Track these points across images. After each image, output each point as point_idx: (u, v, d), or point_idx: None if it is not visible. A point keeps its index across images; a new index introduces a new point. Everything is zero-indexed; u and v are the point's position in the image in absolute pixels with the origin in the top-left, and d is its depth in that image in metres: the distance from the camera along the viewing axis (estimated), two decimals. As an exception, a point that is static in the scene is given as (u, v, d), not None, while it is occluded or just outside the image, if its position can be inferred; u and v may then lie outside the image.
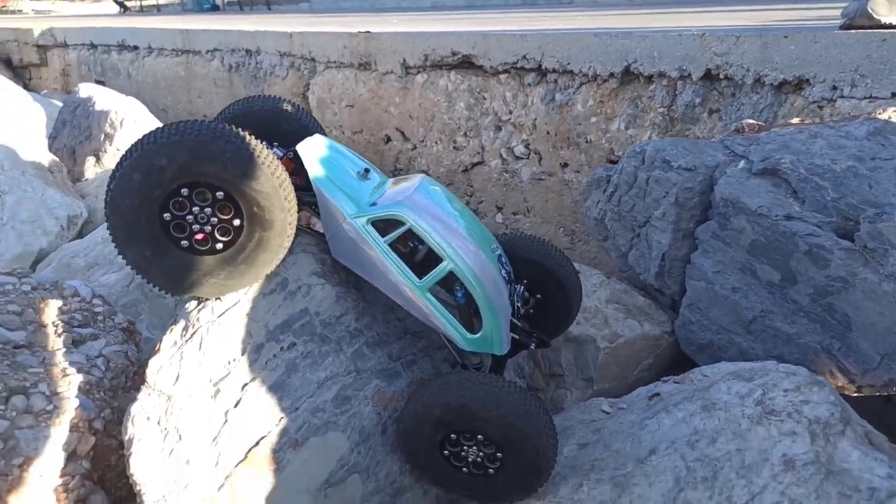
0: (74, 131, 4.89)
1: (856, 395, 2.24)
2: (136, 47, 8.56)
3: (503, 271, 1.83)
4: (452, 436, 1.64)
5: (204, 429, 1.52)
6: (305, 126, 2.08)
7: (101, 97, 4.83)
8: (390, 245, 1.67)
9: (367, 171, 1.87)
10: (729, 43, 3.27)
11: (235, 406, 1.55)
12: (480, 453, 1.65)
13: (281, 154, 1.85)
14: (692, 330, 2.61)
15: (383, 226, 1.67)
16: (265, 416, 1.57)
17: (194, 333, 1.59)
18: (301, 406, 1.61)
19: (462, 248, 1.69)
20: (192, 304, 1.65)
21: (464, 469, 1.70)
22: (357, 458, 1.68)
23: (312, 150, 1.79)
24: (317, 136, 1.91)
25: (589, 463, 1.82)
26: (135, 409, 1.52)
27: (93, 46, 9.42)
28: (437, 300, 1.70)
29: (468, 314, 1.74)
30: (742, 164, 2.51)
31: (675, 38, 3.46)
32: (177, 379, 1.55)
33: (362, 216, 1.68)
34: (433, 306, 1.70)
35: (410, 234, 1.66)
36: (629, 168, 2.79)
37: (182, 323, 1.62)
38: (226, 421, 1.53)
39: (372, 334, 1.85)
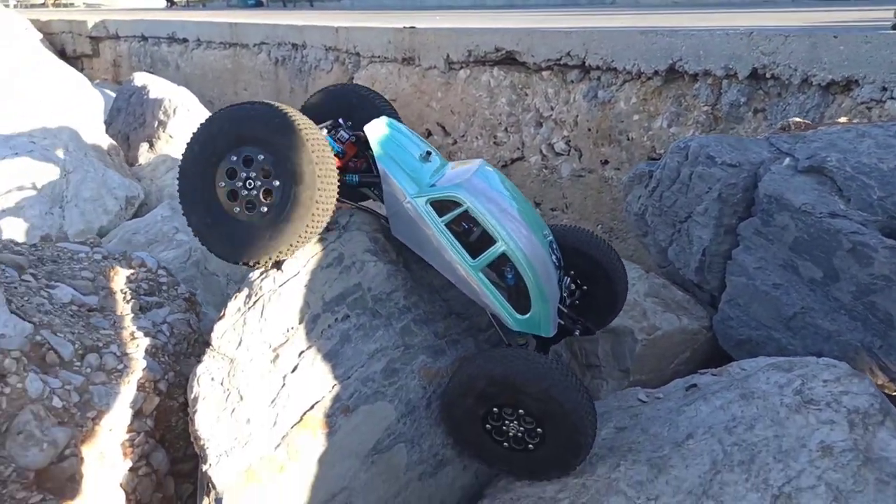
0: (129, 118, 5.08)
1: (896, 393, 2.24)
2: (185, 40, 8.80)
3: (553, 257, 1.88)
4: (495, 410, 1.71)
5: (263, 391, 1.61)
6: (378, 108, 2.18)
7: (155, 86, 5.01)
8: (447, 225, 1.75)
9: (428, 153, 1.96)
10: (777, 42, 3.27)
11: (293, 371, 1.64)
12: (521, 428, 1.71)
13: (347, 136, 1.97)
14: (731, 325, 2.63)
15: (441, 206, 1.76)
16: (320, 382, 1.65)
17: (257, 301, 1.68)
18: (353, 375, 1.69)
19: (515, 231, 1.76)
20: (255, 274, 1.75)
21: (504, 444, 1.76)
22: (403, 428, 1.76)
23: (378, 132, 1.90)
24: (383, 118, 2.00)
25: (626, 445, 1.87)
26: (200, 369, 1.63)
27: (143, 38, 9.71)
28: (489, 280, 1.77)
29: (517, 296, 1.79)
30: (787, 161, 2.52)
31: (721, 37, 3.47)
32: (239, 343, 1.65)
33: (422, 196, 1.77)
34: (484, 286, 1.76)
35: (466, 216, 1.74)
36: (672, 164, 2.82)
37: (246, 291, 1.71)
38: (283, 385, 1.62)
39: (419, 312, 1.93)
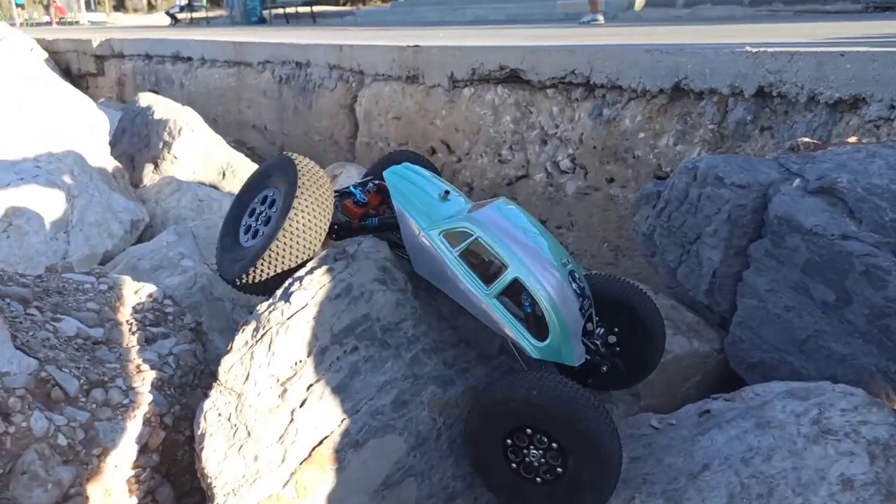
0: (134, 139, 5.08)
1: (913, 418, 2.20)
2: (189, 58, 8.84)
3: (574, 285, 1.86)
4: (518, 439, 1.65)
5: (272, 427, 1.58)
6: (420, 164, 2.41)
7: (160, 106, 5.02)
8: (461, 255, 1.80)
9: (447, 192, 2.04)
10: (783, 60, 3.26)
11: (301, 406, 1.61)
12: (544, 459, 1.65)
13: (372, 187, 2.20)
14: (742, 348, 2.59)
15: (454, 237, 1.82)
16: (329, 416, 1.63)
17: (265, 334, 1.66)
18: (362, 408, 1.66)
19: (527, 257, 1.77)
20: (263, 306, 1.73)
21: (527, 475, 1.69)
22: (413, 461, 1.73)
23: (396, 175, 2.08)
24: (405, 164, 2.19)
25: (640, 476, 1.83)
26: (207, 405, 1.60)
27: (148, 57, 9.76)
28: (505, 308, 1.78)
29: (536, 323, 1.78)
30: (797, 182, 2.50)
31: (727, 55, 3.46)
32: (247, 377, 1.62)
33: (435, 228, 1.85)
34: (500, 313, 1.78)
35: (479, 245, 1.78)
36: (680, 184, 2.80)
37: (253, 324, 1.69)
38: (292, 420, 1.59)
39: (428, 341, 1.90)
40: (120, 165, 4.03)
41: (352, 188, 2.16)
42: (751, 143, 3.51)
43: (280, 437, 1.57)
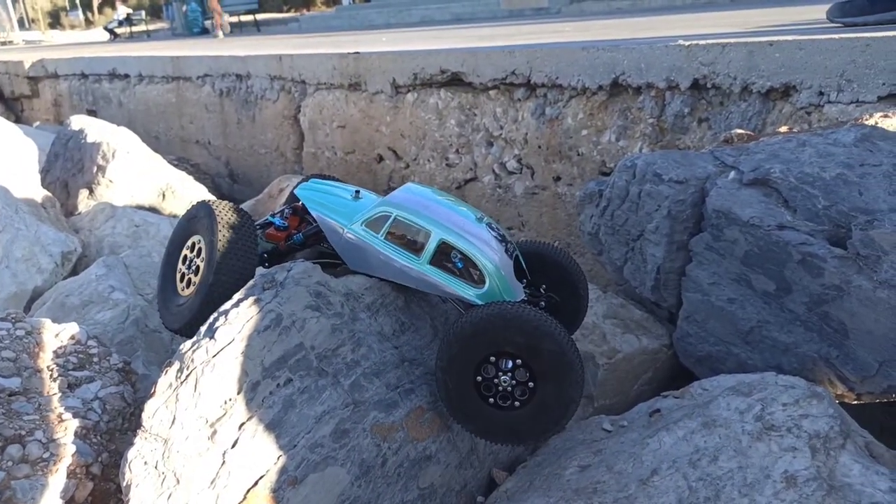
0: (67, 164, 4.89)
1: (856, 402, 2.23)
2: (126, 76, 8.60)
3: (493, 233, 2.02)
4: (486, 371, 1.77)
5: (202, 471, 1.50)
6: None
7: (93, 129, 4.84)
8: (387, 238, 1.94)
9: (357, 192, 2.18)
10: (715, 52, 3.29)
11: (233, 447, 1.54)
12: (514, 381, 1.76)
13: (288, 211, 2.28)
14: (690, 342, 2.60)
15: (375, 224, 1.96)
16: (263, 455, 1.56)
17: (189, 374, 1.58)
18: (299, 442, 1.60)
19: (445, 221, 1.92)
20: (186, 345, 1.65)
21: (504, 404, 1.80)
22: (358, 491, 1.67)
23: (306, 190, 2.20)
24: (311, 178, 2.33)
25: (591, 486, 1.81)
26: (131, 454, 1.51)
27: (83, 76, 9.46)
28: (440, 270, 1.91)
29: (470, 274, 1.91)
30: (732, 174, 2.51)
31: (661, 50, 3.48)
32: (173, 422, 1.54)
33: (356, 222, 1.98)
34: (437, 276, 1.90)
35: (399, 224, 1.92)
36: (621, 182, 2.80)
37: (177, 364, 1.61)
38: (223, 462, 1.52)
39: (369, 364, 1.85)
40: (50, 195, 3.86)
41: (269, 217, 2.28)
42: (690, 135, 3.54)
43: (212, 482, 1.50)
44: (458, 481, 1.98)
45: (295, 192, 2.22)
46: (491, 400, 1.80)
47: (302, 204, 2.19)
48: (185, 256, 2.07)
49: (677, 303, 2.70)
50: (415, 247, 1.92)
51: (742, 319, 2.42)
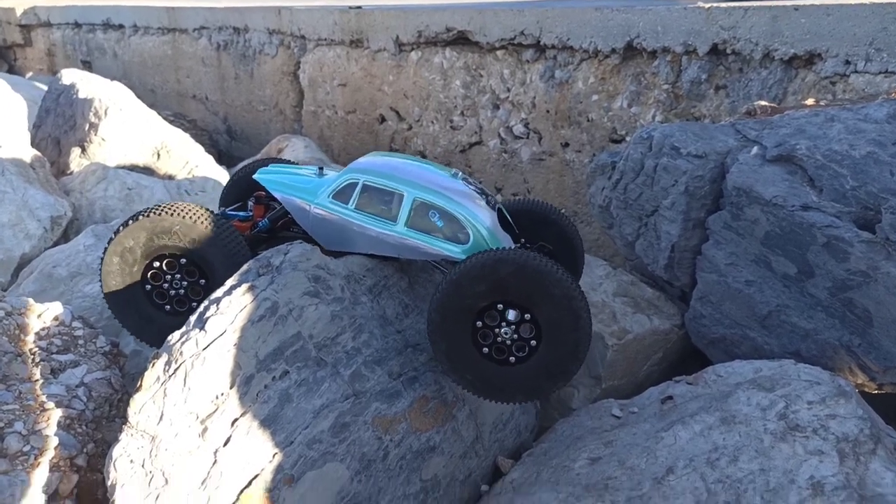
0: (58, 120, 4.71)
1: (876, 391, 2.15)
2: (121, 26, 8.30)
3: (470, 187, 1.95)
4: (489, 318, 1.68)
5: (192, 471, 1.42)
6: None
7: (85, 84, 4.64)
8: (357, 208, 1.87)
9: (321, 168, 2.11)
10: (736, 16, 3.10)
11: (225, 444, 1.45)
12: (516, 335, 1.68)
13: (252, 202, 2.21)
14: (703, 324, 2.50)
15: (343, 194, 1.88)
16: (257, 452, 1.47)
17: (178, 368, 1.48)
18: (296, 439, 1.51)
19: (417, 179, 1.85)
20: (174, 336, 1.54)
21: (499, 357, 1.73)
22: (358, 487, 1.59)
23: (266, 174, 2.12)
24: (271, 164, 2.25)
25: (602, 482, 1.73)
26: (116, 451, 1.42)
27: (77, 25, 9.15)
28: (420, 231, 1.83)
29: (453, 230, 1.83)
30: (755, 150, 2.37)
31: (679, 12, 3.28)
32: (161, 418, 1.44)
33: (323, 195, 1.91)
34: (418, 238, 1.83)
35: (369, 189, 1.85)
36: (636, 155, 2.66)
37: (164, 357, 1.50)
38: (215, 461, 1.43)
39: (370, 352, 1.75)
40: (39, 154, 3.70)
41: (229, 212, 2.24)
42: (706, 102, 3.38)
43: (202, 482, 1.41)
44: (462, 471, 1.90)
45: (255, 177, 2.13)
46: (485, 350, 1.72)
47: (266, 192, 2.11)
48: (158, 275, 1.93)
49: (691, 282, 2.58)
50: (389, 213, 1.84)
51: (760, 303, 2.31)
